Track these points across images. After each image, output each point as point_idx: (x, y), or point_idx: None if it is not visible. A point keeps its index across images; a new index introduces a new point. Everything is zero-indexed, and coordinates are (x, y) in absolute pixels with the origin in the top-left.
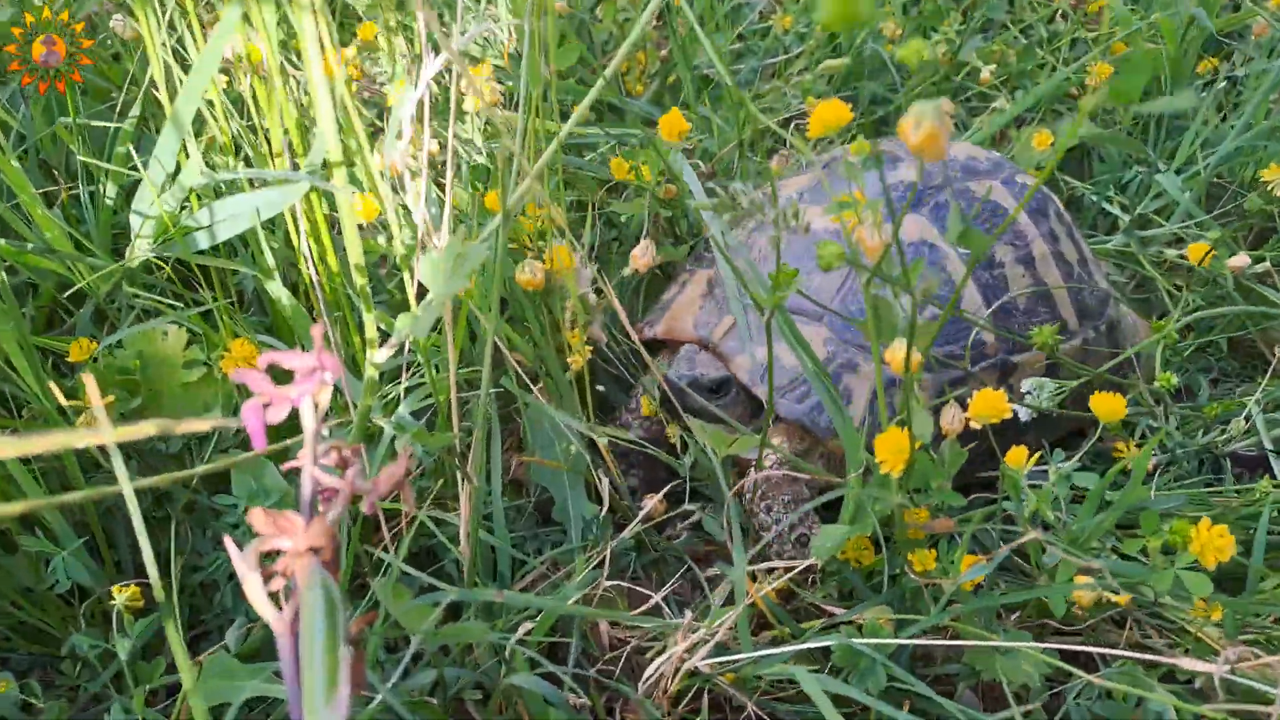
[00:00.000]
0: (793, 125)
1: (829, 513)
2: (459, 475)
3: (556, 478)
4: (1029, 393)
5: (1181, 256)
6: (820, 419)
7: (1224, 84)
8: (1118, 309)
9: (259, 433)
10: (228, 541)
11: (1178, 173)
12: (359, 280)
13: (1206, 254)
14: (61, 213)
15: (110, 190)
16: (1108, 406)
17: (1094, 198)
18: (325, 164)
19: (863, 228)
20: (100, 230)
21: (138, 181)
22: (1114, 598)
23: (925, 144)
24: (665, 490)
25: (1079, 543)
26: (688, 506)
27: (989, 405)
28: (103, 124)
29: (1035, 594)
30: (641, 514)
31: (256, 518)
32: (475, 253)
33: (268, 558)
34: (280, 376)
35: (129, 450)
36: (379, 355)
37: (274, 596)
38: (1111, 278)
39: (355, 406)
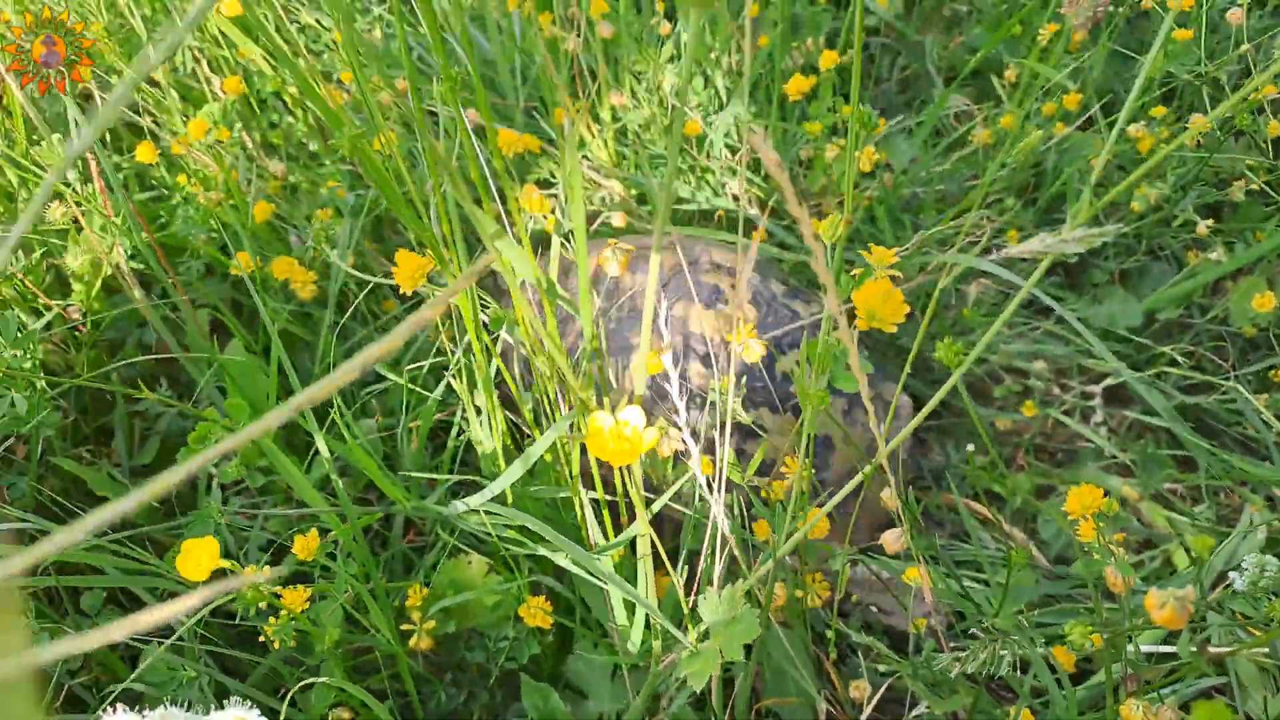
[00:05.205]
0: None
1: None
2: None
3: (790, 710)
4: None
5: None
6: None
7: None
8: None
9: None
10: None
11: None
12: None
13: None
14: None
15: (422, 428)
16: None
17: None
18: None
19: None
20: (415, 470)
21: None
22: None
23: (1166, 621)
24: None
25: None
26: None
27: None
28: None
29: None
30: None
31: None
32: (746, 622)
33: None
34: None
35: (445, 665)
36: (663, 665)
37: None
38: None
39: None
